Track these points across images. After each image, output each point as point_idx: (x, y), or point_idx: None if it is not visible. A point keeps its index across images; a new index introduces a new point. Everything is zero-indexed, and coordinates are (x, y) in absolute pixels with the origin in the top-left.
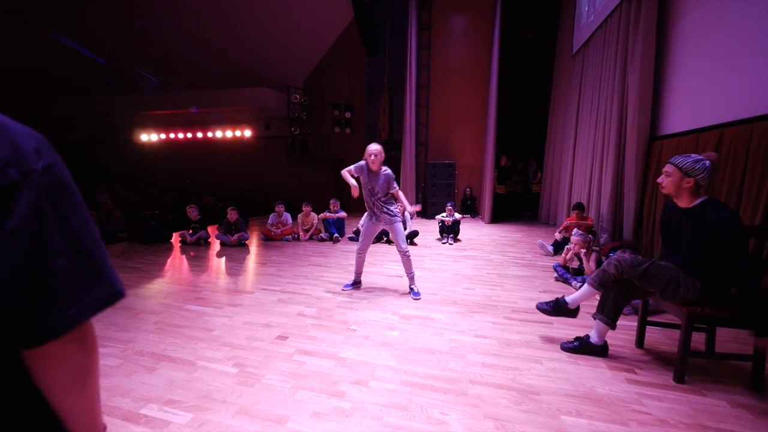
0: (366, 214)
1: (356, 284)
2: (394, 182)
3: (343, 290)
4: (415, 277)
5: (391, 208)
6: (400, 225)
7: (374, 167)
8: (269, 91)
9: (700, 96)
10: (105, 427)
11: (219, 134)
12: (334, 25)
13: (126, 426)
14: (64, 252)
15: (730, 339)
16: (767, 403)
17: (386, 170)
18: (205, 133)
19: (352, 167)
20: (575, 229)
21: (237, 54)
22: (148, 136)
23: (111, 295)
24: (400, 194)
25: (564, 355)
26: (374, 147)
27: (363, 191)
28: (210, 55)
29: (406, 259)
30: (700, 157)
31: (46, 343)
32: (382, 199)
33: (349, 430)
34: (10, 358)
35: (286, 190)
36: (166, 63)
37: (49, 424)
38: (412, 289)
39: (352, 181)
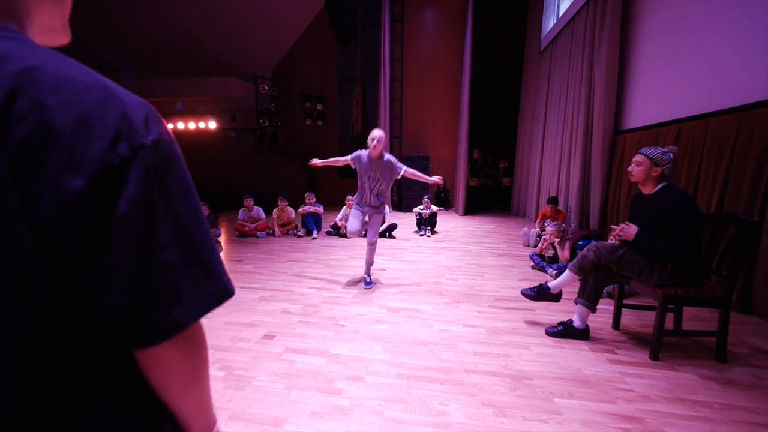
0: (353, 208)
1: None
2: (399, 165)
3: (366, 288)
4: (397, 270)
5: (382, 199)
6: (380, 218)
7: (374, 153)
8: (235, 80)
9: (661, 92)
10: (215, 421)
11: (180, 125)
12: (304, 12)
13: None
14: (172, 243)
15: (693, 317)
16: (730, 374)
17: (388, 157)
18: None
19: (347, 156)
20: (548, 220)
21: (201, 40)
22: None
23: (220, 292)
24: (415, 172)
25: (549, 339)
26: (375, 132)
27: (361, 178)
28: (171, 41)
29: (371, 248)
30: (665, 150)
31: (151, 347)
32: (383, 186)
33: (351, 428)
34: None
35: (256, 185)
36: (122, 48)
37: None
38: (365, 278)
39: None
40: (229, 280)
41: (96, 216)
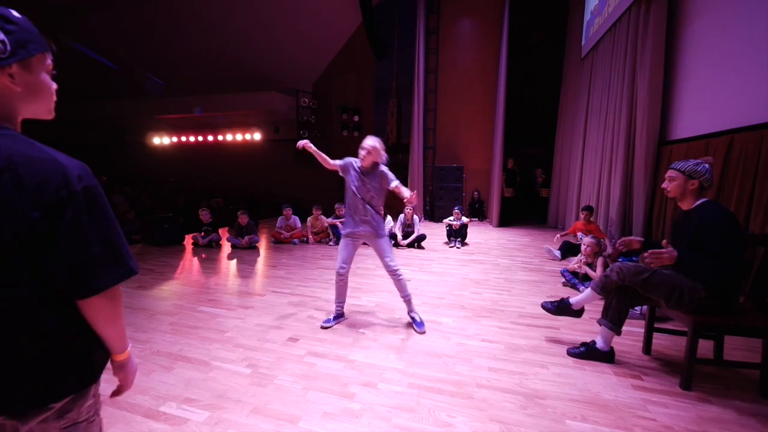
0: (343, 237)
1: (339, 317)
2: (390, 178)
3: (323, 327)
4: (422, 281)
5: (377, 217)
6: (386, 240)
7: (364, 164)
8: (278, 94)
9: (710, 101)
10: (128, 345)
11: (229, 137)
12: (342, 29)
13: (147, 423)
14: (96, 243)
15: (739, 347)
16: None
17: (383, 169)
18: (215, 136)
19: (336, 161)
20: (580, 234)
21: (246, 58)
22: (160, 140)
23: (127, 272)
24: (401, 188)
25: (570, 360)
26: (366, 142)
27: (349, 189)
28: (219, 60)
29: (397, 280)
30: (699, 161)
31: (88, 298)
32: (375, 199)
33: (359, 431)
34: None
35: (295, 193)
36: (176, 67)
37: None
38: (413, 318)
39: (312, 148)
40: (134, 264)
41: (48, 230)
